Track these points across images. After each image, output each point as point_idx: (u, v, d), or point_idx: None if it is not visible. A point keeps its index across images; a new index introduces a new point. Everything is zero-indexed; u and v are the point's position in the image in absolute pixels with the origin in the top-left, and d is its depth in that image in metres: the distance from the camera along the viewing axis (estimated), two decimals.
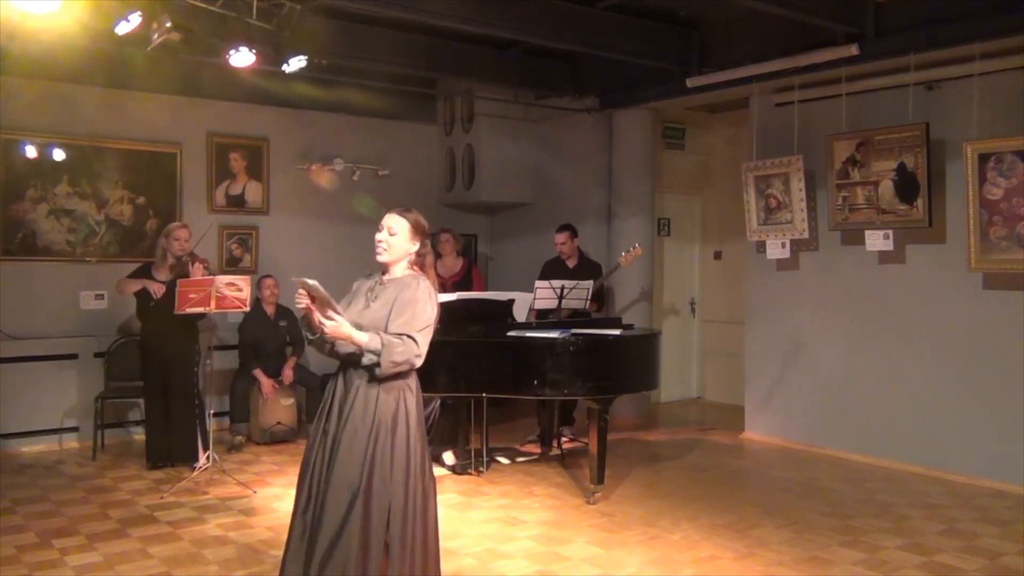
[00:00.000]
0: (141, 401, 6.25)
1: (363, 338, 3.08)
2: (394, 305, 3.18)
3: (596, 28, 6.20)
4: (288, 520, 3.31)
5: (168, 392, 5.84)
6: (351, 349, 3.13)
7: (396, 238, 3.26)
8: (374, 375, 3.14)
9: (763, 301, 7.04)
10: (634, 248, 6.64)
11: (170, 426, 5.86)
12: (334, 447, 3.16)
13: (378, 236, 3.29)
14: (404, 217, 3.28)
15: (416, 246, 3.31)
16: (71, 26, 5.10)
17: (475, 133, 8.26)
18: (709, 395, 8.90)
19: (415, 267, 3.34)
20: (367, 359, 3.09)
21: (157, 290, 5.66)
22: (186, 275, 5.57)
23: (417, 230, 3.29)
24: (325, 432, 3.23)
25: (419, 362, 3.18)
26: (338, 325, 3.06)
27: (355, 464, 3.11)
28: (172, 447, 5.88)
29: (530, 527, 4.74)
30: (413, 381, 3.30)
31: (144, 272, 5.89)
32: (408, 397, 3.24)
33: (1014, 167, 5.29)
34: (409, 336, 3.12)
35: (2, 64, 6.07)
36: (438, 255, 7.21)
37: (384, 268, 3.34)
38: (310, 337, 3.22)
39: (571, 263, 6.79)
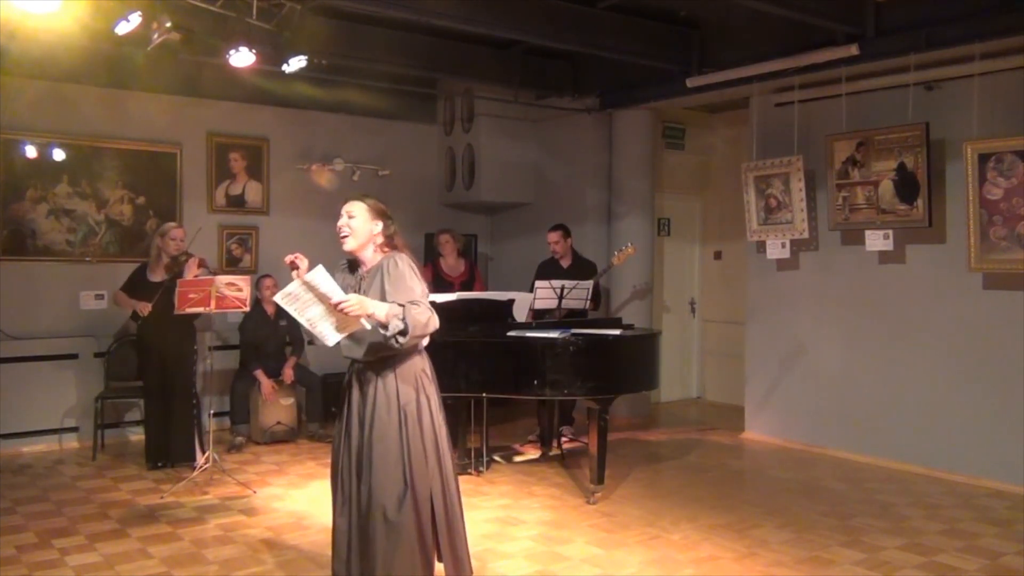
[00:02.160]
0: (141, 401, 6.26)
1: (383, 308, 3.04)
2: (384, 288, 3.18)
3: (596, 28, 6.20)
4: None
5: (167, 392, 5.84)
6: (370, 326, 3.07)
7: (356, 220, 3.27)
8: (395, 354, 3.11)
9: (763, 301, 7.04)
10: (627, 247, 6.63)
11: (169, 426, 5.85)
12: (362, 450, 3.17)
13: (338, 224, 3.30)
14: (359, 200, 3.31)
15: (379, 226, 3.30)
16: (71, 26, 5.09)
17: (475, 133, 8.25)
18: (709, 395, 8.90)
19: (387, 248, 3.31)
20: (393, 326, 3.01)
21: (142, 309, 5.71)
22: (182, 275, 5.58)
23: (374, 210, 3.29)
24: (348, 436, 3.24)
25: (436, 322, 3.13)
26: (358, 303, 2.98)
27: (393, 462, 3.13)
28: (171, 447, 5.87)
29: (530, 527, 4.74)
30: (428, 367, 3.31)
31: (139, 274, 5.91)
32: (426, 383, 3.26)
33: (1014, 167, 5.29)
34: (420, 302, 3.11)
35: (2, 64, 6.06)
36: (439, 255, 7.22)
37: (357, 261, 3.34)
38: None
39: (565, 263, 6.77)
